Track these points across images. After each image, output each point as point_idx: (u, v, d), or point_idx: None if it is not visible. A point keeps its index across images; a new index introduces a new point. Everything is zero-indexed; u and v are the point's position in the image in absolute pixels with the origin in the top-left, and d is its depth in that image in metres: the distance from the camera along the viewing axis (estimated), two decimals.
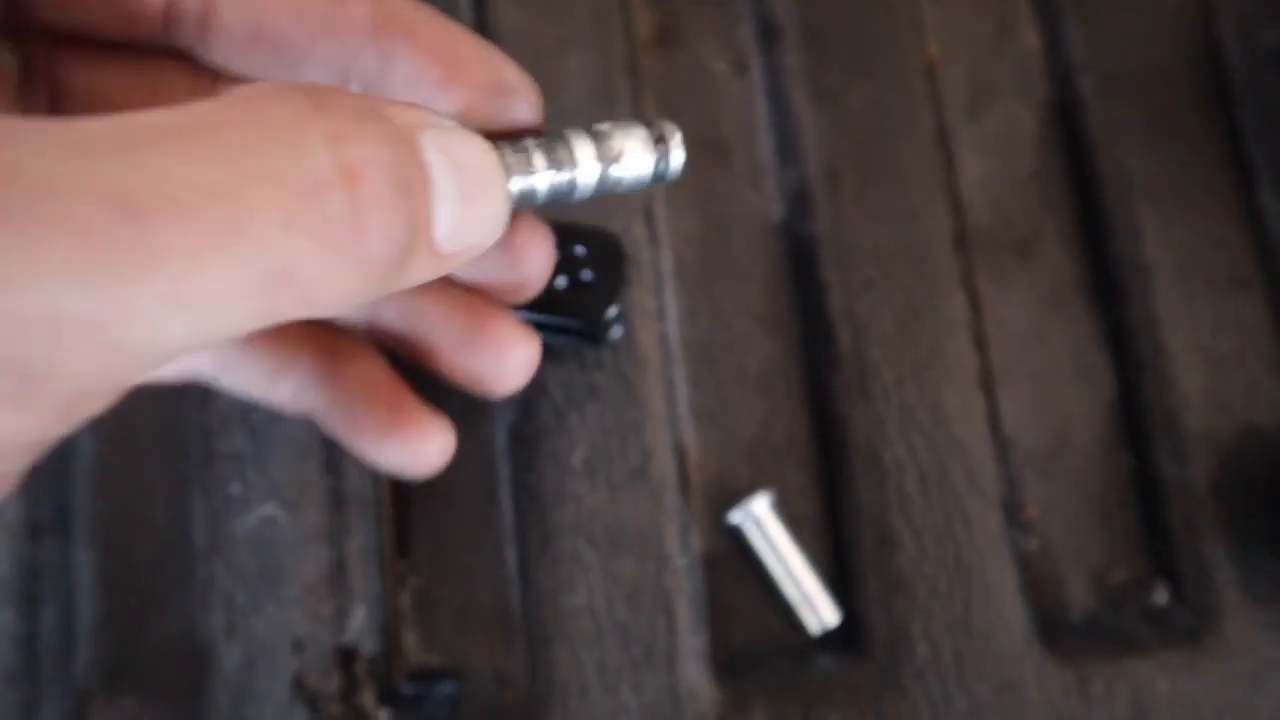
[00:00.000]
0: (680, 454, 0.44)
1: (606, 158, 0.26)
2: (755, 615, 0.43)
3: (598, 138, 0.26)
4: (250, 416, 0.44)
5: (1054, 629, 0.43)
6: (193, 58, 0.28)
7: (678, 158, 0.27)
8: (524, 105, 0.28)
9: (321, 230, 0.19)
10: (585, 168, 0.26)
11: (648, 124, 0.27)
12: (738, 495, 0.44)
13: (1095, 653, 0.42)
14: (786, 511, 0.44)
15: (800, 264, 0.46)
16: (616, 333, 0.43)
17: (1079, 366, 0.46)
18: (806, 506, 0.44)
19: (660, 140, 0.27)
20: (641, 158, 0.27)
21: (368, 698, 0.42)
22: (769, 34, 0.49)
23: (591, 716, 0.41)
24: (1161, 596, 0.43)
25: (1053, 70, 0.48)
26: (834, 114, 0.47)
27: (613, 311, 0.40)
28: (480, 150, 0.24)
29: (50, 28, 0.27)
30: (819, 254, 0.45)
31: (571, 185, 0.26)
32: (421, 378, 0.36)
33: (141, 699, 0.43)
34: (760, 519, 0.43)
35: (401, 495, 0.45)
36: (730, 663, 0.42)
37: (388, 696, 0.42)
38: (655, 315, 0.45)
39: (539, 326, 0.42)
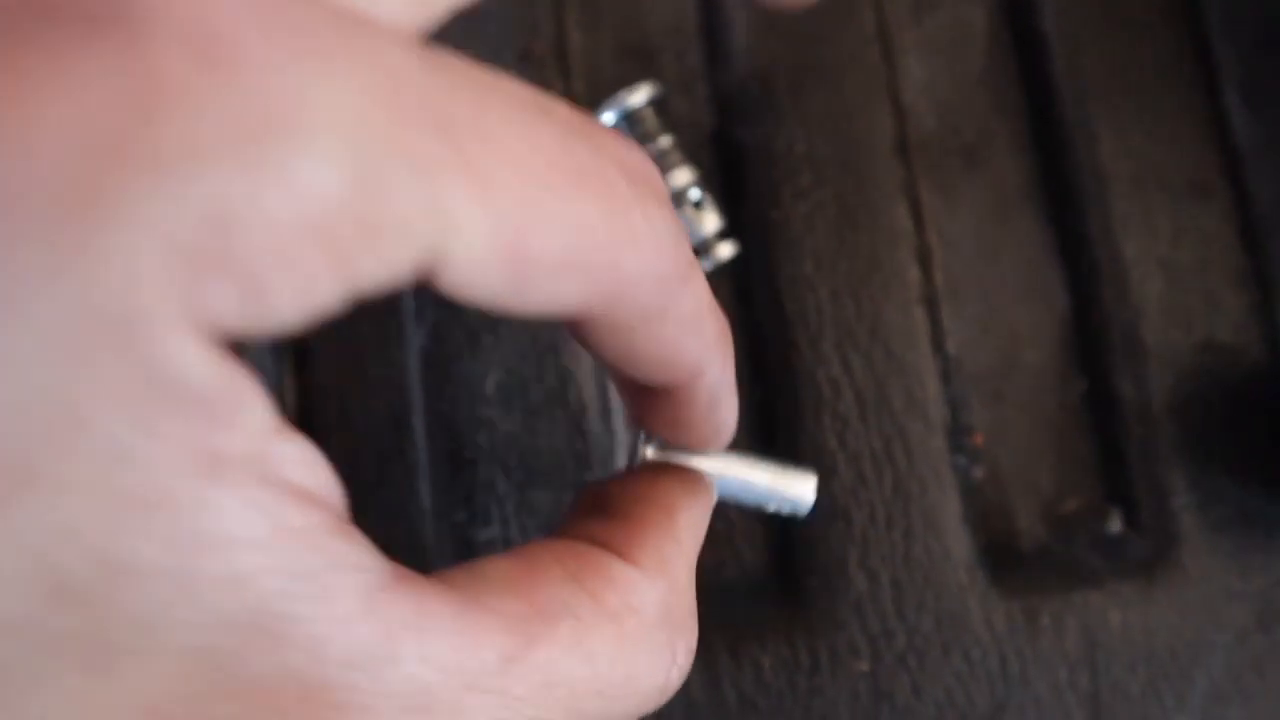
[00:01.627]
0: (600, 375, 0.41)
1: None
2: None
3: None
4: None
5: (1001, 560, 0.40)
6: None
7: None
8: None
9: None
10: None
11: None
12: None
13: (1044, 584, 0.39)
14: None
15: (730, 173, 0.43)
16: None
17: (1029, 282, 0.43)
18: (738, 432, 0.41)
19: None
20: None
21: None
22: None
23: None
24: (1115, 525, 0.40)
25: None
26: (767, 15, 0.44)
27: None
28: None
29: None
30: (751, 162, 0.42)
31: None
32: None
33: None
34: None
35: (313, 427, 0.42)
36: None
37: None
38: None
39: None
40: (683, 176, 0.41)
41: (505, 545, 0.39)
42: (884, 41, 0.43)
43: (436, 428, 0.41)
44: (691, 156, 0.43)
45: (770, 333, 0.41)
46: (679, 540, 0.24)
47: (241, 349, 0.16)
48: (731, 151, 0.43)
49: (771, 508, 0.29)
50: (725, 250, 0.41)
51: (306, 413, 0.42)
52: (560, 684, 0.19)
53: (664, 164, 0.41)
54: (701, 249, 0.42)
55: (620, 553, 0.22)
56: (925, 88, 0.44)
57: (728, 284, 0.42)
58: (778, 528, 0.40)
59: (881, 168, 0.42)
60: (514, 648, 0.19)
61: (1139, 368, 0.41)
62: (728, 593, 0.40)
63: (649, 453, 0.27)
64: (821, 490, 0.39)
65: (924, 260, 0.42)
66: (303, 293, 0.15)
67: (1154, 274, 0.41)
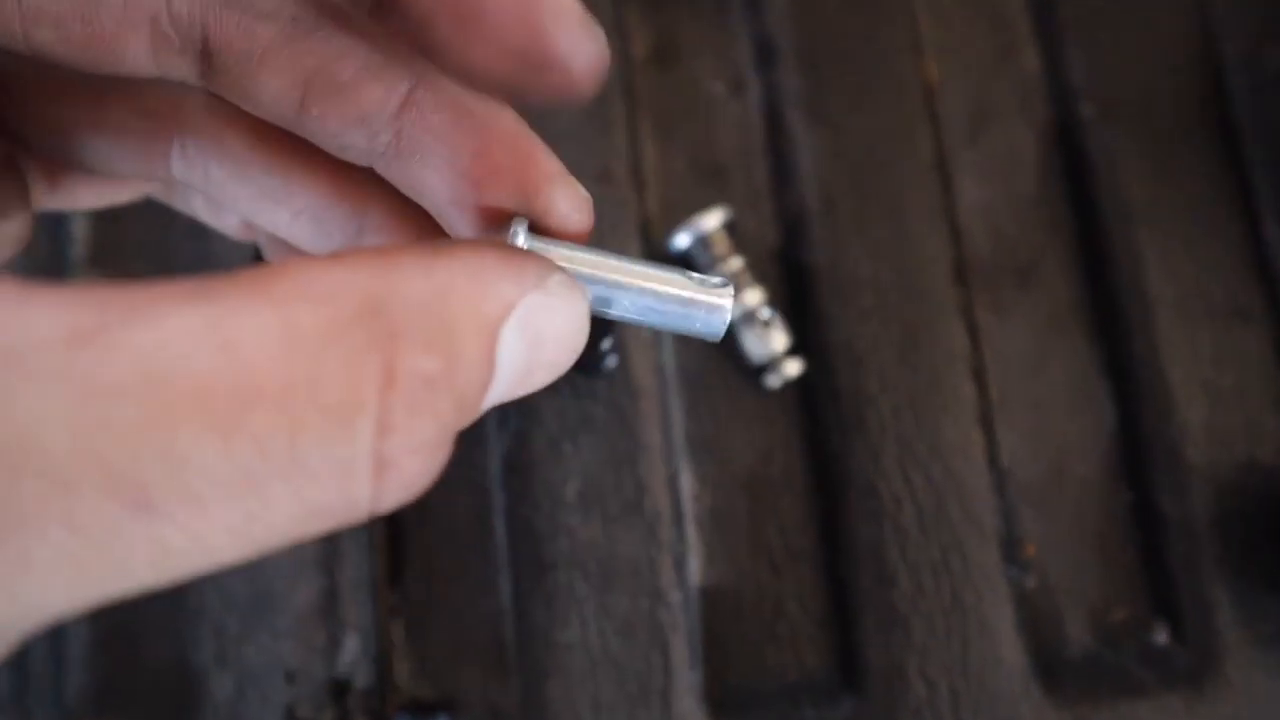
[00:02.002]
0: (674, 486, 0.43)
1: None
2: (752, 651, 0.43)
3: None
4: None
5: (1052, 668, 0.42)
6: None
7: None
8: (578, 219, 0.25)
9: (339, 508, 0.18)
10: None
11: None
12: (735, 527, 0.44)
13: (1094, 693, 0.42)
14: (784, 542, 0.44)
15: (797, 292, 0.45)
16: (612, 362, 0.43)
17: (1078, 396, 0.45)
18: (803, 540, 0.44)
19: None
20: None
21: None
22: (766, 54, 0.48)
23: None
24: (1161, 636, 0.43)
25: (1053, 93, 0.48)
26: (832, 137, 0.46)
27: (606, 344, 0.40)
28: (571, 321, 0.22)
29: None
30: (816, 283, 0.45)
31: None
32: None
33: None
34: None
35: (394, 523, 0.44)
36: (726, 699, 0.42)
37: None
38: (650, 343, 0.44)
39: None
40: (753, 297, 0.44)
41: (585, 648, 0.42)
42: (941, 166, 0.46)
43: (517, 530, 0.43)
44: (757, 269, 0.45)
45: (834, 447, 0.44)
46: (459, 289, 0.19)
47: None
48: (798, 271, 0.45)
49: (676, 325, 0.24)
50: (793, 367, 0.44)
51: (392, 512, 0.45)
52: (176, 377, 0.16)
53: (735, 284, 0.44)
54: (770, 365, 0.44)
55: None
56: (980, 210, 0.46)
57: (795, 399, 0.45)
58: (840, 633, 0.43)
59: (940, 291, 0.44)
60: (90, 325, 0.16)
61: (1182, 484, 0.43)
62: (790, 697, 0.42)
63: (520, 242, 0.24)
64: (882, 599, 0.41)
65: (979, 378, 0.44)
66: None
67: (1197, 396, 0.43)
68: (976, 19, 0.48)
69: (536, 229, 0.24)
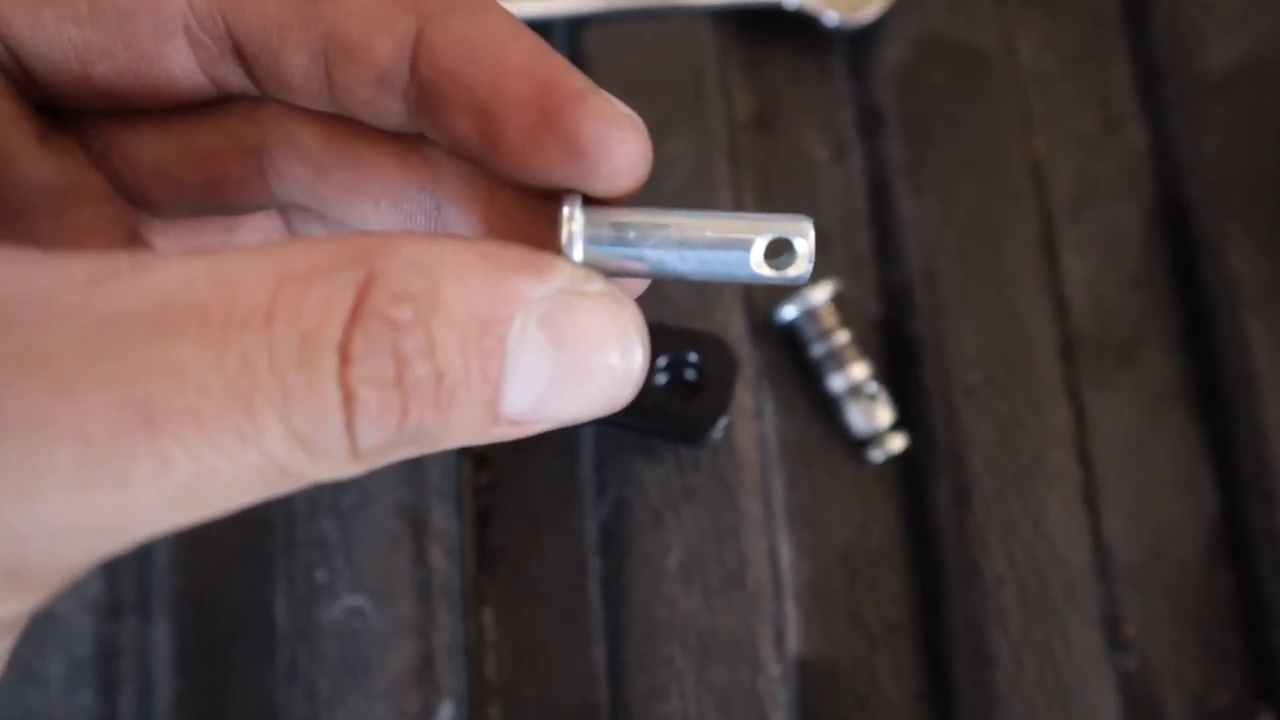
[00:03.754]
0: (775, 558, 0.43)
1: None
2: None
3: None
4: (339, 502, 0.44)
5: None
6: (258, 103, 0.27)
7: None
8: (628, 160, 0.23)
9: (320, 440, 0.19)
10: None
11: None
12: (832, 599, 0.44)
13: None
14: (880, 615, 0.44)
15: (899, 365, 0.45)
16: (718, 433, 0.42)
17: (1180, 477, 0.45)
18: (899, 614, 0.44)
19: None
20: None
21: None
22: (871, 121, 0.48)
23: None
24: None
25: (1159, 170, 0.47)
26: (936, 208, 0.46)
27: (722, 425, 0.40)
28: (609, 328, 0.21)
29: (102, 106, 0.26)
30: (920, 357, 0.45)
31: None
32: None
33: None
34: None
35: (488, 589, 0.44)
36: None
37: None
38: (753, 414, 0.44)
39: (639, 427, 0.41)
40: (859, 371, 0.43)
41: (683, 719, 0.42)
42: (1047, 241, 0.46)
43: (614, 599, 0.43)
44: (860, 339, 0.45)
45: (935, 523, 0.43)
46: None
47: None
48: (901, 344, 0.45)
49: (755, 271, 0.23)
50: (897, 443, 0.44)
51: (485, 571, 0.44)
52: (177, 305, 0.18)
53: (842, 358, 0.43)
54: (874, 439, 0.44)
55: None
56: (1085, 286, 0.46)
57: (898, 474, 0.44)
58: (937, 708, 0.43)
59: (1045, 367, 0.44)
60: (106, 272, 0.18)
61: None
62: None
63: (576, 223, 0.23)
64: (982, 678, 0.41)
65: (1084, 459, 0.44)
66: None
67: None
68: (1083, 94, 0.48)
69: (593, 200, 0.23)
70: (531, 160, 0.23)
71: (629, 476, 0.43)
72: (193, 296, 0.18)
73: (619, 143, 0.22)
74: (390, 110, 0.24)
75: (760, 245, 0.22)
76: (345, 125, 0.26)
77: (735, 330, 0.44)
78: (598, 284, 0.21)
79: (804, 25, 0.48)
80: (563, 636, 0.44)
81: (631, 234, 0.23)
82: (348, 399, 0.19)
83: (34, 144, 0.25)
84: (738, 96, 0.48)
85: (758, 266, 0.23)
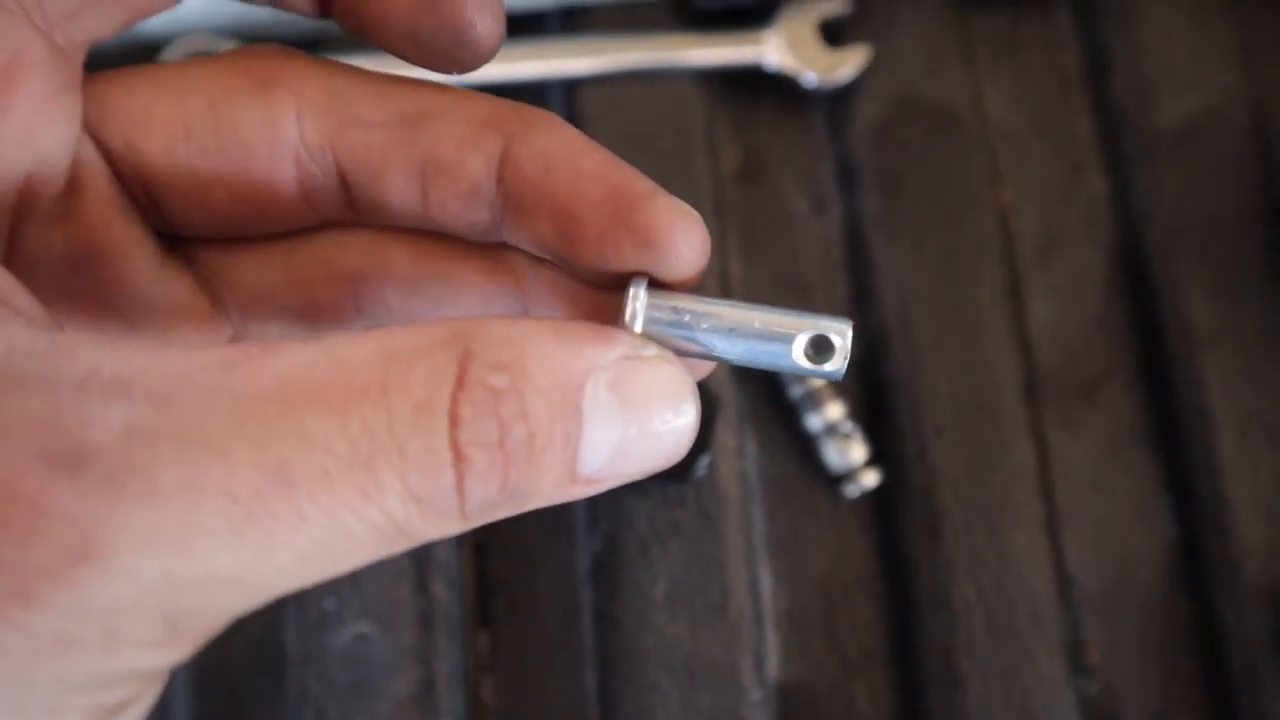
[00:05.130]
0: (756, 589, 0.46)
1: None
2: None
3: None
4: None
5: None
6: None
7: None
8: (691, 249, 0.26)
9: (434, 498, 0.21)
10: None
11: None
12: (810, 626, 0.46)
13: None
14: (856, 642, 0.46)
15: (874, 406, 0.48)
16: (701, 470, 0.45)
17: (1141, 511, 0.47)
18: (875, 640, 0.46)
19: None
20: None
21: None
22: (848, 175, 0.51)
23: None
24: None
25: (1120, 218, 0.50)
26: (910, 256, 0.49)
27: (704, 462, 0.42)
28: (669, 387, 0.24)
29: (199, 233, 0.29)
30: (893, 397, 0.47)
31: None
32: None
33: None
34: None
35: (486, 617, 0.47)
36: None
37: None
38: (735, 452, 0.47)
39: None
40: (835, 411, 0.46)
41: None
42: (1014, 287, 0.49)
43: (605, 627, 0.46)
44: (837, 383, 0.48)
45: (908, 555, 0.46)
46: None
47: None
48: (876, 386, 0.48)
49: (796, 363, 0.25)
50: (871, 479, 0.46)
51: (483, 600, 0.47)
52: (302, 382, 0.20)
53: (819, 398, 0.46)
54: (849, 475, 0.46)
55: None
56: (1049, 329, 0.49)
57: (872, 509, 0.47)
58: None
59: (1011, 407, 0.47)
60: (238, 357, 0.21)
61: (1241, 600, 0.45)
62: None
63: (640, 301, 0.25)
64: (955, 703, 0.44)
65: (1047, 493, 0.46)
66: None
67: (1257, 516, 0.46)
68: (1048, 147, 0.51)
69: (658, 284, 0.25)
70: (608, 253, 0.26)
71: (619, 511, 0.46)
72: (314, 375, 0.21)
73: (684, 234, 0.25)
74: (479, 221, 0.27)
75: (803, 341, 0.25)
76: (433, 245, 0.29)
77: (718, 373, 0.47)
78: (654, 349, 0.24)
79: (785, 85, 0.51)
80: (556, 662, 0.46)
81: (687, 316, 0.25)
82: (459, 459, 0.21)
83: (153, 265, 0.28)
84: (724, 151, 0.51)
85: (798, 358, 0.25)
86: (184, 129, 0.26)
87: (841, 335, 0.25)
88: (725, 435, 0.47)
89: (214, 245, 0.29)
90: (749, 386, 0.48)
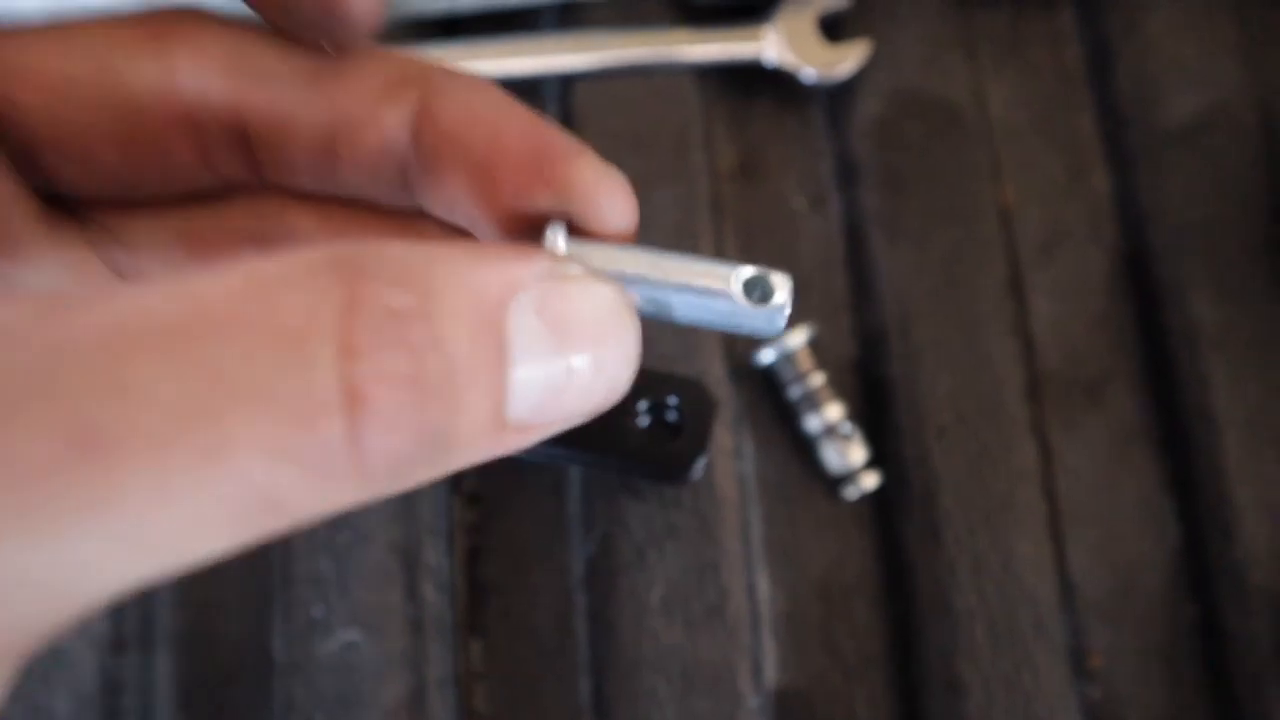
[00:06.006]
0: (753, 593, 0.45)
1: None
2: None
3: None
4: (334, 539, 0.45)
5: None
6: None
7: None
8: (615, 209, 0.24)
9: (315, 454, 0.17)
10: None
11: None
12: (808, 630, 0.45)
13: None
14: (855, 647, 0.45)
15: (874, 406, 0.47)
16: (698, 472, 0.44)
17: (1145, 513, 0.46)
18: (874, 646, 0.45)
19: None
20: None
21: None
22: (848, 172, 0.50)
23: None
24: None
25: (1124, 216, 0.49)
26: (910, 254, 0.48)
27: (701, 462, 0.41)
28: (601, 307, 0.21)
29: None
30: (893, 398, 0.46)
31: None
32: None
33: None
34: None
35: (478, 623, 0.46)
36: None
37: None
38: (733, 453, 0.46)
39: (623, 467, 0.43)
40: (835, 412, 0.45)
41: None
42: (1016, 285, 0.48)
43: (600, 632, 0.45)
44: (836, 381, 0.47)
45: (908, 558, 0.45)
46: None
47: None
48: (876, 386, 0.47)
49: (733, 324, 0.24)
50: (871, 481, 0.45)
51: (475, 605, 0.46)
52: (133, 326, 0.16)
53: (817, 399, 0.45)
54: (848, 477, 0.46)
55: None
56: (1052, 329, 0.48)
57: (872, 511, 0.46)
58: None
59: (1013, 407, 0.46)
60: (59, 303, 0.16)
61: (1246, 604, 0.44)
62: None
63: (560, 227, 0.24)
64: (956, 710, 0.43)
65: (1050, 495, 0.46)
66: None
67: (1262, 518, 0.45)
68: (1051, 144, 0.50)
69: (578, 232, 0.24)
70: (525, 211, 0.24)
71: (614, 514, 0.45)
72: (153, 316, 0.16)
73: (606, 192, 0.24)
74: (390, 181, 0.26)
75: (743, 275, 0.24)
76: (342, 211, 0.27)
77: (715, 373, 0.46)
78: (579, 269, 0.22)
79: (784, 81, 0.50)
80: (550, 669, 0.45)
81: (615, 252, 0.23)
82: (352, 400, 0.17)
83: (36, 226, 0.26)
84: (722, 148, 0.51)
85: (737, 296, 0.23)
86: (64, 80, 0.24)
87: (783, 278, 0.24)
88: (722, 436, 0.46)
89: (110, 207, 0.27)
90: (747, 387, 0.47)
